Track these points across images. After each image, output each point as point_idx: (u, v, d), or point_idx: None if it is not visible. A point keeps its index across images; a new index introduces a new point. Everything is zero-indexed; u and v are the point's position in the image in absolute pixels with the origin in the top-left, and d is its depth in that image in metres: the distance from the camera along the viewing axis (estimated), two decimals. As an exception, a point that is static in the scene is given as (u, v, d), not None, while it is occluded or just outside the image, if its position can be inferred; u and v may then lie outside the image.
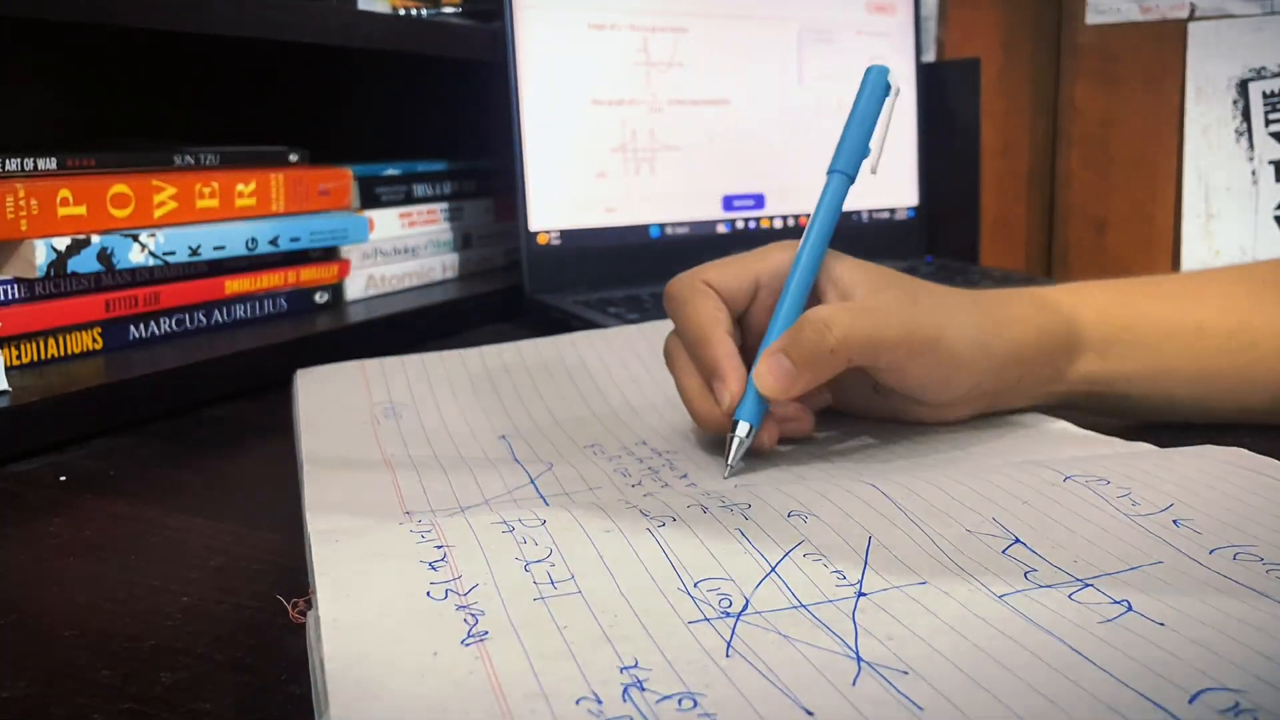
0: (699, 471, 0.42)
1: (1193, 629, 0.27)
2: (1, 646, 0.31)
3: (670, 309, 0.45)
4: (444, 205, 0.84)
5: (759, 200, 0.90)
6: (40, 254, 0.54)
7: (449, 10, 0.90)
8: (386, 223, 0.78)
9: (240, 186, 0.65)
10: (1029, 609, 0.28)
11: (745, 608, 0.28)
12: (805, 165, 0.91)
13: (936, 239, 0.99)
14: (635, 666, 0.26)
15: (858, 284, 0.44)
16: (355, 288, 0.75)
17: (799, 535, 0.32)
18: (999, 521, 0.33)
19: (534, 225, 0.80)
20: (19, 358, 0.54)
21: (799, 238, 0.46)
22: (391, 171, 0.79)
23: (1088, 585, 0.30)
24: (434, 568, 0.30)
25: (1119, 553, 0.31)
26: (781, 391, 0.41)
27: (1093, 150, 1.14)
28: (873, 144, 0.47)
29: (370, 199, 0.77)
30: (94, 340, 0.57)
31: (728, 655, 0.26)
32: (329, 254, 0.72)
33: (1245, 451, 0.39)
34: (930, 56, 1.16)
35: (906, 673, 0.25)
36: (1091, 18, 1.11)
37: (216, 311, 0.64)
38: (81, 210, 0.56)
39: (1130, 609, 0.28)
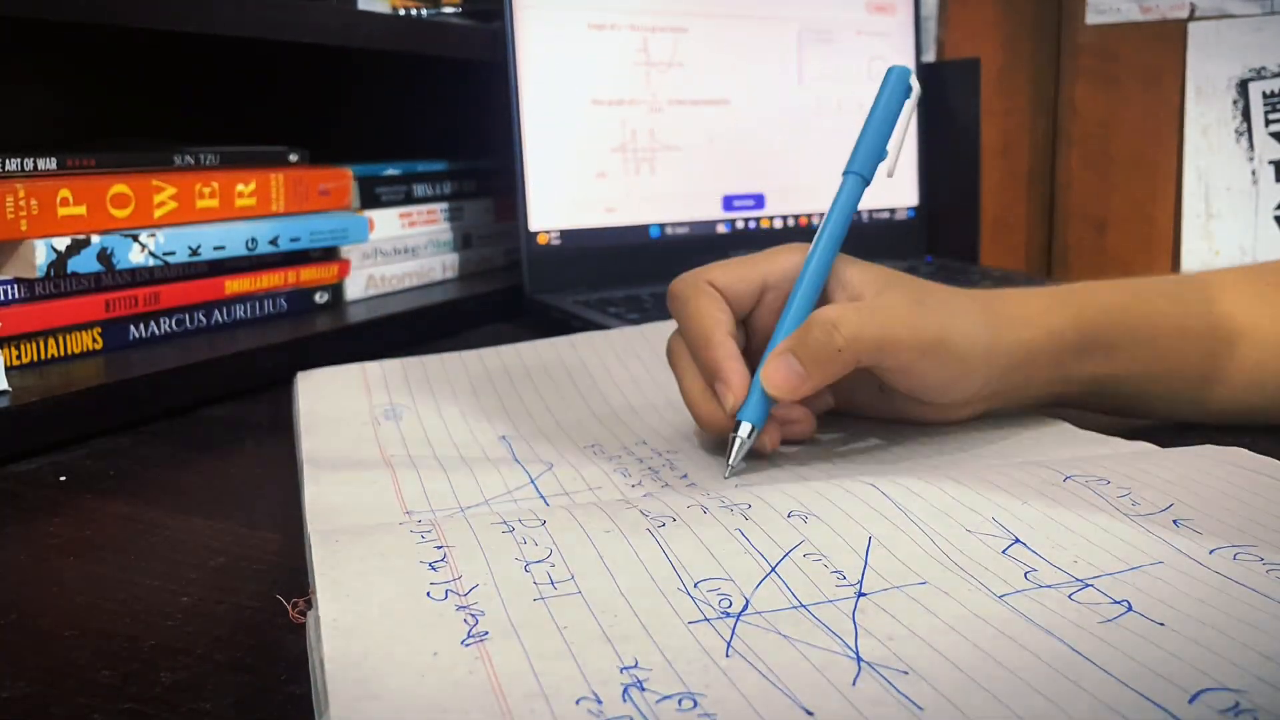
0: (699, 472, 0.42)
1: (1193, 629, 0.27)
2: (1, 646, 0.31)
3: (673, 309, 0.45)
4: (444, 205, 0.84)
5: (759, 200, 0.90)
6: (40, 254, 0.54)
7: (449, 10, 0.90)
8: (386, 223, 0.78)
9: (240, 186, 0.65)
10: (1029, 609, 0.28)
11: (745, 608, 0.28)
12: (805, 165, 0.91)
13: (936, 239, 0.99)
14: (635, 666, 0.26)
15: (866, 285, 0.44)
16: (355, 288, 0.75)
17: (799, 535, 0.32)
18: (999, 521, 0.33)
19: (534, 225, 0.80)
20: (19, 358, 0.54)
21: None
22: (391, 171, 0.79)
23: (1088, 585, 0.30)
24: (434, 568, 0.30)
25: (1119, 553, 0.31)
26: (790, 392, 0.41)
27: (1093, 150, 1.14)
28: (890, 146, 0.46)
29: (370, 199, 0.77)
30: (94, 340, 0.57)
31: (728, 655, 0.26)
32: (329, 254, 0.72)
33: (1245, 451, 0.39)
34: (930, 56, 1.16)
35: (906, 673, 0.25)
36: (1091, 18, 1.11)
37: (216, 311, 0.64)
38: (81, 210, 0.56)
39: (1130, 609, 0.28)
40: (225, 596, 0.34)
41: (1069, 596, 0.29)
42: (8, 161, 0.54)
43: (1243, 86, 1.04)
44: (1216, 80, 1.05)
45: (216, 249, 0.63)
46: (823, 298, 0.44)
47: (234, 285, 0.65)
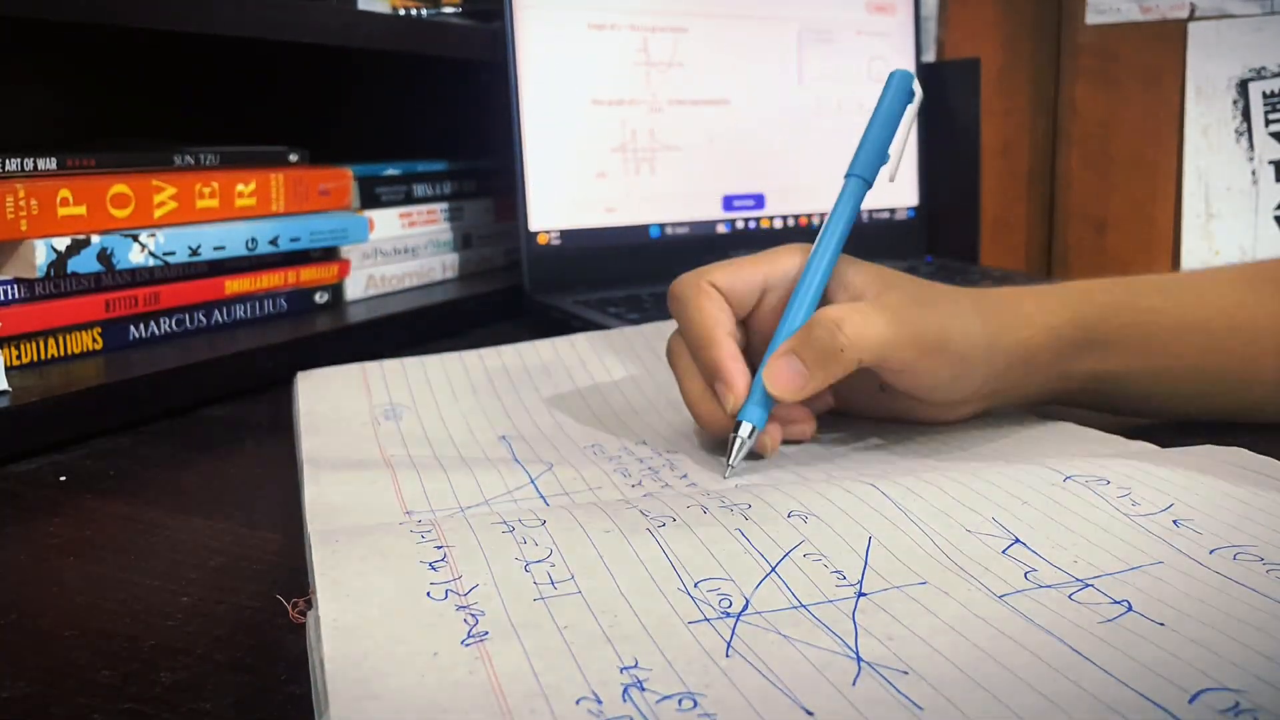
0: (699, 472, 0.42)
1: (1193, 629, 0.27)
2: (1, 646, 0.31)
3: (674, 309, 0.45)
4: (444, 205, 0.84)
5: (759, 200, 0.90)
6: (40, 254, 0.54)
7: (449, 10, 0.90)
8: (386, 223, 0.78)
9: (240, 186, 0.65)
10: (1029, 609, 0.28)
11: (745, 608, 0.28)
12: (805, 165, 0.91)
13: (936, 239, 0.99)
14: (635, 666, 0.26)
15: (867, 286, 0.44)
16: (355, 288, 0.75)
17: (799, 535, 0.32)
18: (999, 521, 0.33)
19: (534, 225, 0.80)
20: (19, 358, 0.54)
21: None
22: (391, 171, 0.79)
23: (1088, 585, 0.30)
24: (434, 568, 0.30)
25: (1119, 553, 0.31)
26: (793, 393, 0.41)
27: (1093, 150, 1.14)
28: (892, 150, 0.46)
29: (370, 199, 0.77)
30: (94, 340, 0.57)
31: (728, 655, 0.26)
32: (329, 254, 0.72)
33: (1245, 451, 0.39)
34: (930, 56, 1.16)
35: (906, 673, 0.25)
36: (1091, 18, 1.11)
37: (216, 311, 0.64)
38: (81, 210, 0.56)
39: (1130, 609, 0.28)
40: (225, 596, 0.34)
41: (1069, 596, 0.29)
42: (8, 161, 0.54)
43: (1243, 86, 1.04)
44: (1216, 80, 1.05)
45: (216, 249, 0.63)
46: (824, 298, 0.45)
47: (234, 285, 0.65)
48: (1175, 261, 1.09)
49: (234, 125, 0.82)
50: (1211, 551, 0.31)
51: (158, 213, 0.60)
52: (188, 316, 0.63)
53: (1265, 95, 1.03)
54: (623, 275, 0.82)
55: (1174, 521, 0.33)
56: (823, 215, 0.92)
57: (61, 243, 0.55)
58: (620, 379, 0.54)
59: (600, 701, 0.24)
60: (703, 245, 0.87)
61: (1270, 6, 1.02)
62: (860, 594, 0.29)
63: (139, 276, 0.60)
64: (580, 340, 0.58)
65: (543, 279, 0.79)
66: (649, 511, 0.34)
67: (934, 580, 0.30)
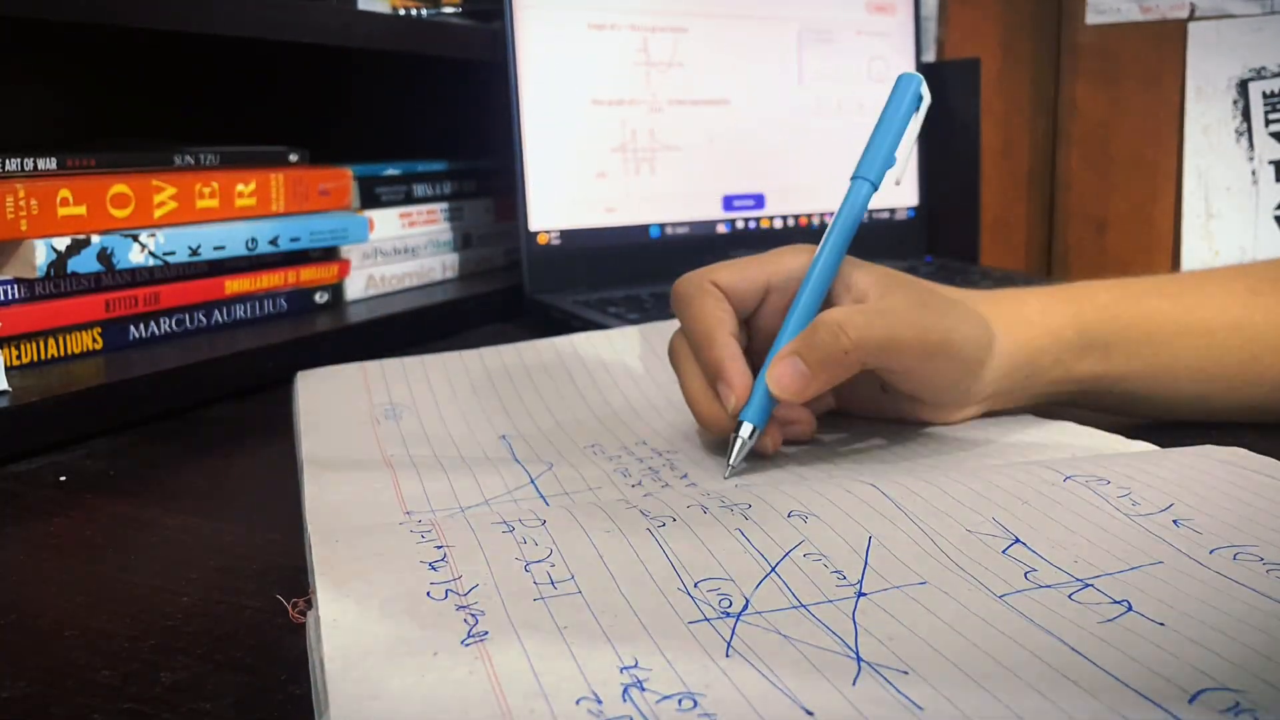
0: (699, 472, 0.42)
1: (1193, 629, 0.27)
2: (1, 646, 0.31)
3: (676, 308, 0.45)
4: (444, 205, 0.84)
5: (759, 200, 0.90)
6: (40, 254, 0.54)
7: (449, 10, 0.90)
8: (386, 223, 0.78)
9: (240, 186, 0.65)
10: (1029, 609, 0.28)
11: (745, 608, 0.28)
12: (805, 165, 0.91)
13: (936, 239, 0.99)
14: (635, 666, 0.26)
15: (870, 287, 0.44)
16: (355, 288, 0.75)
17: (799, 535, 0.32)
18: (999, 521, 0.33)
19: (534, 225, 0.80)
20: (19, 358, 0.54)
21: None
22: (391, 171, 0.79)
23: (1088, 585, 0.30)
24: (434, 568, 0.30)
25: (1119, 553, 0.31)
26: (796, 394, 0.41)
27: (1093, 150, 1.14)
28: (899, 153, 0.46)
29: (370, 199, 0.77)
30: (94, 340, 0.57)
31: (728, 655, 0.26)
32: (329, 254, 0.72)
33: (1245, 451, 0.39)
34: (930, 56, 1.16)
35: (906, 673, 0.25)
36: (1091, 18, 1.11)
37: (216, 311, 0.64)
38: (81, 210, 0.56)
39: (1130, 609, 0.28)
40: (225, 596, 0.34)
41: (1069, 596, 0.29)
42: (8, 161, 0.54)
43: (1243, 86, 1.04)
44: (1216, 80, 1.05)
45: (216, 249, 0.63)
46: (827, 300, 0.45)
47: (234, 285, 0.65)
48: (1175, 261, 1.09)
49: (234, 125, 0.83)
50: (1211, 551, 0.31)
51: (158, 213, 0.60)
52: (188, 316, 0.63)
53: (1265, 95, 1.03)
54: (623, 275, 0.82)
55: (1174, 521, 0.33)
56: (823, 215, 0.92)
57: (61, 243, 0.55)
58: (620, 379, 0.54)
59: (600, 701, 0.24)
60: (703, 245, 0.87)
61: (1270, 6, 1.02)
62: (860, 594, 0.29)
63: (139, 276, 0.60)
64: (580, 340, 0.58)
65: (543, 279, 0.79)
66: (649, 511, 0.34)
67: (934, 580, 0.30)
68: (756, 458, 0.44)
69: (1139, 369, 0.47)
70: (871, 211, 0.97)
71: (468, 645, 0.26)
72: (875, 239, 0.96)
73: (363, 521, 0.36)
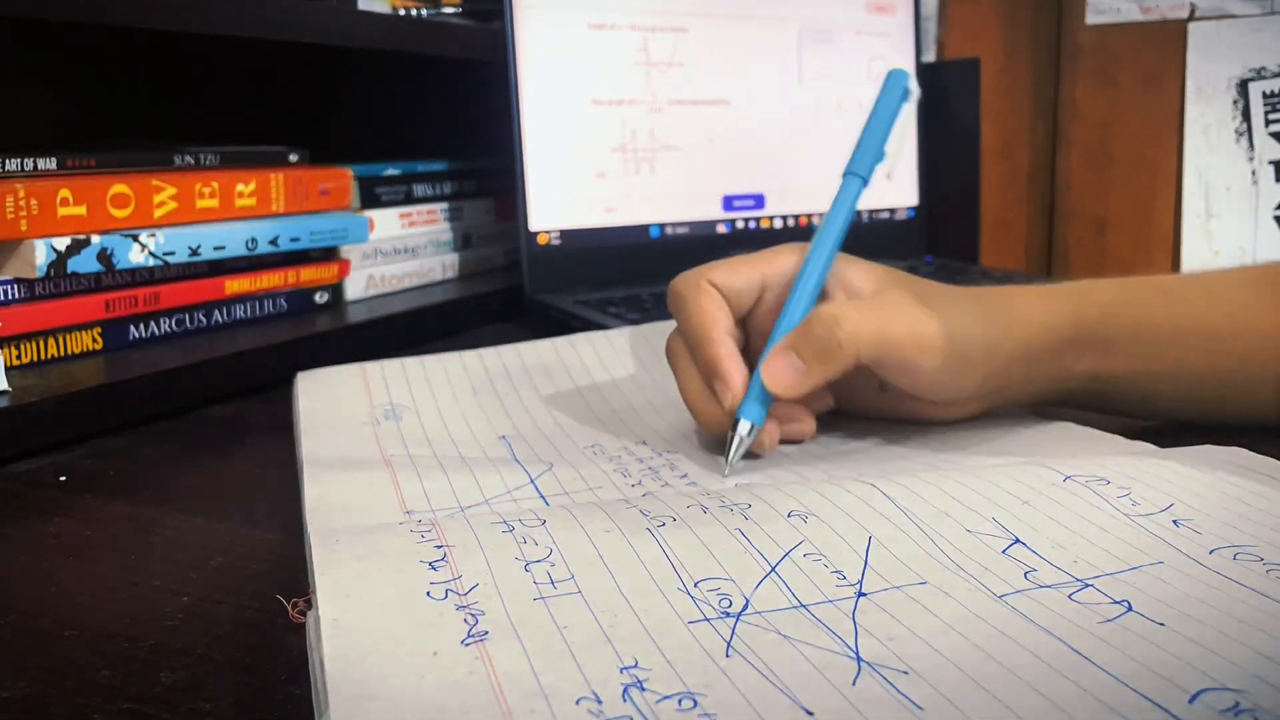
0: (699, 471, 0.42)
1: (1193, 629, 0.27)
2: (1, 646, 0.31)
3: (673, 307, 0.45)
4: (444, 205, 0.84)
5: (759, 200, 0.90)
6: (40, 254, 0.54)
7: (449, 10, 0.90)
8: (386, 223, 0.78)
9: (240, 186, 0.65)
10: (1029, 609, 0.28)
11: (745, 608, 0.28)
12: (805, 165, 0.91)
13: (936, 239, 0.99)
14: (635, 666, 0.26)
15: (866, 284, 0.44)
16: (355, 288, 0.75)
17: (799, 535, 0.32)
18: (999, 521, 0.33)
19: (534, 225, 0.80)
20: (19, 358, 0.54)
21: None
22: (391, 171, 0.79)
23: (1088, 585, 0.30)
24: (434, 568, 0.30)
25: (1119, 553, 0.31)
26: (790, 389, 0.41)
27: (1093, 150, 1.14)
28: (889, 148, 0.47)
29: (370, 199, 0.77)
30: (94, 340, 0.57)
31: (728, 655, 0.26)
32: (329, 254, 0.72)
33: (1245, 451, 0.39)
34: (930, 56, 1.16)
35: (906, 673, 0.25)
36: (1091, 18, 1.11)
37: (216, 311, 0.64)
38: (81, 210, 0.56)
39: (1130, 609, 0.28)
40: (225, 596, 0.34)
41: (1069, 596, 0.29)
42: (8, 161, 0.54)
43: (1243, 86, 1.04)
44: (1216, 80, 1.05)
45: (216, 249, 0.63)
46: (822, 296, 0.45)
47: (234, 285, 0.65)
48: (1175, 261, 1.09)
49: (234, 125, 0.82)
50: (1211, 551, 0.31)
51: (158, 213, 0.60)
52: (188, 316, 0.63)
53: (1265, 95, 1.03)
54: (623, 275, 0.82)
55: (1174, 521, 0.33)
56: (823, 215, 0.92)
57: (61, 243, 0.55)
58: (620, 379, 0.54)
59: (600, 701, 0.24)
60: (703, 245, 0.87)
61: (1270, 6, 1.02)
62: (860, 594, 0.29)
63: (139, 276, 0.60)
64: (580, 340, 0.58)
65: (543, 279, 0.79)
66: (649, 511, 0.34)
67: (934, 580, 0.30)
68: (756, 457, 0.44)
69: (1138, 369, 0.46)
70: (871, 211, 0.97)
71: (468, 645, 0.26)
72: (875, 239, 0.96)
73: (363, 521, 0.36)
